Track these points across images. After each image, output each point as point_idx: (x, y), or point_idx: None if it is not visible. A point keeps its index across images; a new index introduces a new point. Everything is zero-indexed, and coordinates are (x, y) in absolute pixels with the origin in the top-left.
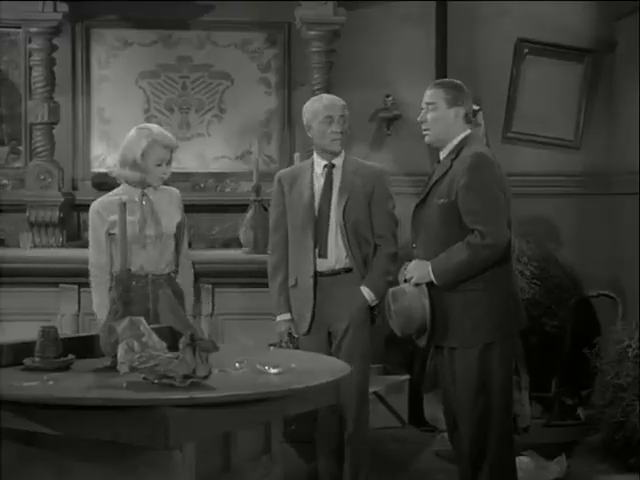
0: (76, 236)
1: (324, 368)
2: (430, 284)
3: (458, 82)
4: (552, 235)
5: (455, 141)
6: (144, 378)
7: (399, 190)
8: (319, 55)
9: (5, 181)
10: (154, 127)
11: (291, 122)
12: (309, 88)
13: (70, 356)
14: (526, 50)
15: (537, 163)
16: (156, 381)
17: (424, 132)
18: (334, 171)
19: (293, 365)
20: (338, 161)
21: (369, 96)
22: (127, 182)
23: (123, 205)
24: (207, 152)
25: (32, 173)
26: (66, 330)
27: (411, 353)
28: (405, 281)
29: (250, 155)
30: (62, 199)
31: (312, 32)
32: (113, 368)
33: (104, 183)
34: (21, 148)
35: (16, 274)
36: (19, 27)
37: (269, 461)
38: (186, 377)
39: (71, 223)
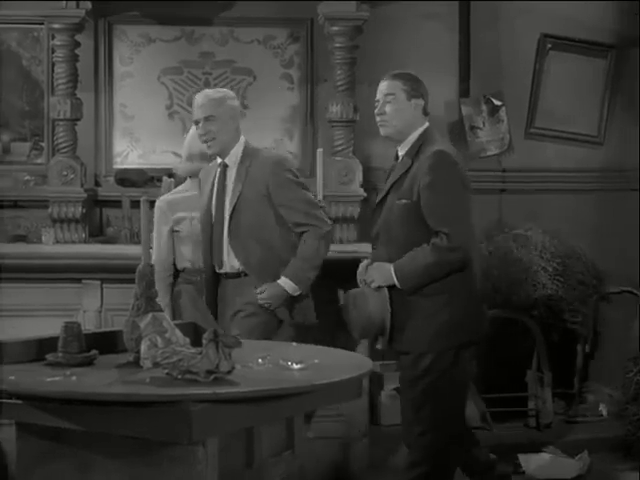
0: (98, 232)
1: (347, 364)
2: (391, 287)
3: (414, 74)
4: (575, 231)
5: (414, 136)
6: (167, 373)
7: None
8: (342, 51)
9: (28, 177)
10: None
11: (314, 118)
12: (332, 84)
13: (93, 352)
14: (549, 46)
15: (560, 159)
16: (179, 376)
17: (381, 124)
18: (227, 171)
19: (316, 361)
20: (231, 160)
21: None
22: (193, 177)
23: (146, 203)
24: None
25: (54, 169)
26: (89, 326)
27: None
28: (364, 283)
29: (273, 151)
30: (85, 195)
31: (335, 28)
32: (136, 364)
33: (126, 179)
34: (43, 144)
35: (39, 270)
36: (42, 24)
37: (292, 457)
38: (209, 372)
39: (94, 219)
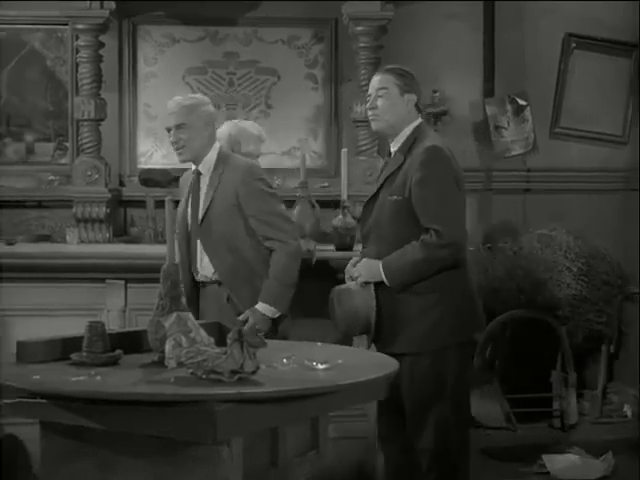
0: (122, 232)
1: (372, 364)
2: (377, 284)
3: (407, 69)
4: (599, 231)
5: (407, 132)
6: (192, 373)
7: None
8: (366, 51)
9: (52, 177)
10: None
11: (338, 118)
12: (356, 84)
13: (117, 351)
14: (574, 45)
15: (585, 159)
16: (204, 376)
17: (372, 119)
18: (201, 178)
19: (340, 361)
20: (204, 167)
21: None
22: None
23: (171, 202)
24: None
25: (79, 169)
26: (113, 325)
27: None
28: (351, 279)
29: (297, 151)
30: (109, 195)
31: (359, 28)
32: (160, 363)
33: (150, 179)
34: (68, 144)
35: (63, 270)
36: (66, 24)
37: (316, 457)
38: (234, 372)
39: (118, 219)
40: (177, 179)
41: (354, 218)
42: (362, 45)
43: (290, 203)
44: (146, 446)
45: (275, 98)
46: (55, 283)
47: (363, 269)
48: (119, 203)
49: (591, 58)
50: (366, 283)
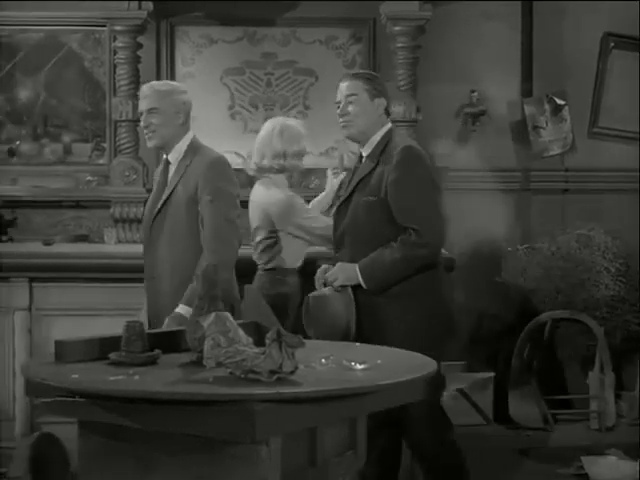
0: None
1: (411, 364)
2: (354, 288)
3: (374, 73)
4: (638, 231)
5: (378, 136)
6: (230, 373)
7: (483, 186)
8: (404, 51)
9: (90, 178)
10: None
11: None
12: (394, 84)
13: (156, 351)
14: (612, 44)
15: (623, 158)
16: (242, 376)
17: (344, 125)
18: (170, 168)
19: (379, 361)
20: (173, 156)
21: (454, 91)
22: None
23: (208, 202)
24: None
25: (117, 170)
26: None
27: (495, 350)
28: (325, 285)
29: (334, 151)
30: (146, 195)
31: (397, 28)
32: (199, 363)
33: None
34: (105, 145)
35: (101, 270)
36: (104, 25)
37: (354, 457)
38: (272, 372)
39: None
40: None
41: None
42: (400, 45)
43: None
44: (184, 445)
45: (313, 98)
46: (93, 283)
47: (339, 272)
48: None
49: (630, 57)
50: (342, 287)
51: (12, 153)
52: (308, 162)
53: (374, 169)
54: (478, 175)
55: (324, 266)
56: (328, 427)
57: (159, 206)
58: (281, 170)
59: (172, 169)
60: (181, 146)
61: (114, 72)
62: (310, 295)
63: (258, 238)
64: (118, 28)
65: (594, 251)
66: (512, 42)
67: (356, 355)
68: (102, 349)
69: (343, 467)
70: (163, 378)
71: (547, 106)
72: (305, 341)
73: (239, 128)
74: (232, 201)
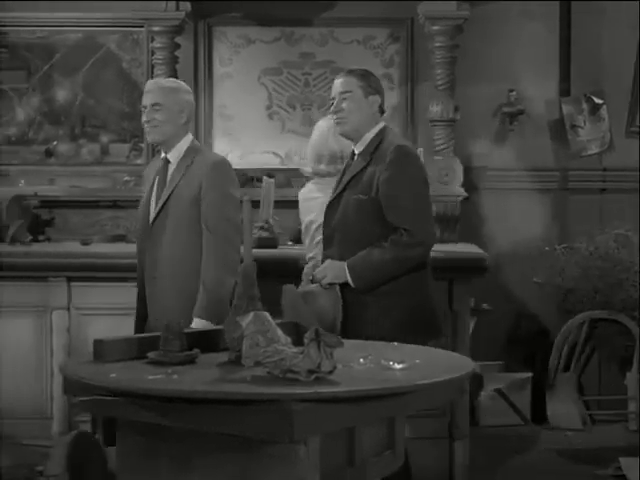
0: None
1: (449, 364)
2: (342, 286)
3: (369, 70)
4: None
5: (371, 134)
6: (268, 372)
7: (520, 186)
8: (442, 50)
9: (127, 178)
10: None
11: (414, 118)
12: (432, 83)
13: (194, 350)
14: None
15: None
16: (281, 375)
17: (338, 122)
18: (169, 167)
19: (418, 361)
20: (173, 155)
21: (492, 91)
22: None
23: (248, 202)
24: None
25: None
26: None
27: (533, 350)
28: (312, 282)
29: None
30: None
31: (435, 27)
32: (237, 362)
33: None
34: (143, 145)
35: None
36: (142, 26)
37: (392, 457)
38: (311, 372)
39: None
40: (253, 179)
41: None
42: (438, 45)
43: None
44: (222, 445)
45: None
46: (130, 283)
47: (328, 270)
48: None
49: None
50: (331, 284)
51: (50, 153)
52: None
53: (366, 167)
54: (516, 175)
55: (312, 262)
56: (366, 427)
57: (160, 205)
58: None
59: (171, 168)
60: (182, 146)
61: (152, 72)
62: (298, 292)
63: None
64: (156, 29)
65: (632, 251)
66: (550, 41)
67: (394, 355)
68: (141, 348)
69: (381, 467)
70: (201, 377)
71: (585, 105)
72: (344, 341)
73: (277, 128)
74: (236, 203)
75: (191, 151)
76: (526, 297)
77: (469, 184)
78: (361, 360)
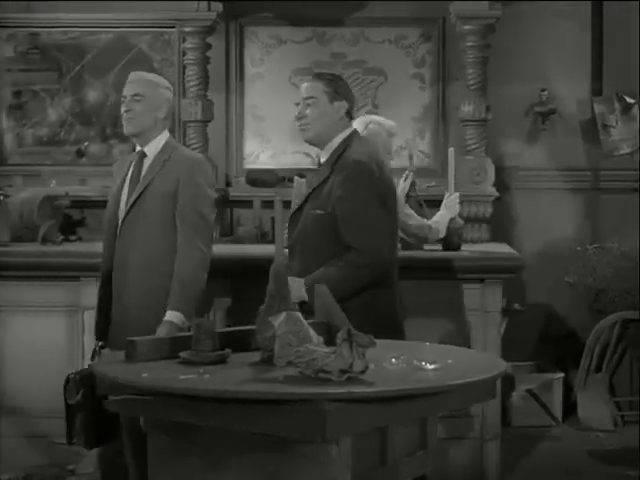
0: (229, 231)
1: (481, 364)
2: (302, 303)
3: (338, 74)
4: None
5: (337, 140)
6: (300, 372)
7: (552, 186)
8: (474, 50)
9: None
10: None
11: (445, 117)
12: (463, 83)
13: (226, 350)
14: None
15: None
16: (313, 375)
17: (301, 128)
18: (145, 161)
19: (450, 361)
20: (150, 149)
21: (524, 90)
22: None
23: (280, 202)
24: None
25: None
26: (221, 324)
27: (564, 350)
28: None
29: (404, 151)
30: (215, 195)
31: (467, 27)
32: (269, 362)
33: (257, 180)
34: None
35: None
36: (173, 27)
37: (425, 457)
38: (343, 372)
39: (225, 219)
40: (284, 179)
41: (461, 217)
42: (470, 44)
43: None
44: (254, 444)
45: (382, 98)
46: None
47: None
48: (226, 203)
49: None
50: None
51: (81, 154)
52: None
53: (327, 178)
54: (547, 174)
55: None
56: (398, 427)
57: (133, 200)
58: None
59: (147, 162)
60: (159, 140)
61: (183, 73)
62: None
63: None
64: (187, 29)
65: None
66: (582, 41)
67: (427, 355)
68: (172, 348)
69: (414, 467)
70: (233, 377)
71: (617, 105)
72: (376, 341)
73: None
74: (211, 201)
75: (168, 147)
76: (558, 297)
77: (501, 184)
78: (393, 360)
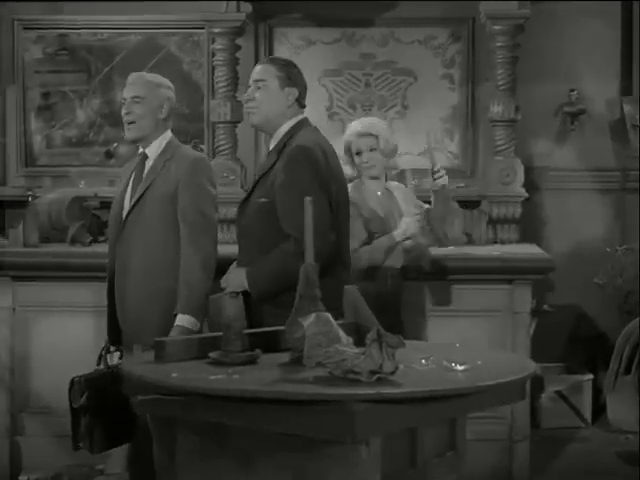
0: None
1: (511, 365)
2: (247, 292)
3: (291, 60)
4: None
5: (285, 127)
6: (330, 373)
7: (581, 186)
8: (503, 50)
9: None
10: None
11: (475, 118)
12: (493, 83)
13: (256, 350)
14: None
15: None
16: (342, 376)
17: (249, 111)
18: (147, 163)
19: (479, 362)
20: (151, 150)
21: (553, 90)
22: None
23: (310, 203)
24: None
25: (214, 171)
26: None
27: (594, 352)
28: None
29: (434, 151)
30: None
31: (497, 27)
32: (298, 362)
33: None
34: (203, 147)
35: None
36: (202, 28)
37: (454, 458)
38: (372, 372)
39: None
40: None
41: (491, 219)
42: (499, 44)
43: (426, 203)
44: (283, 444)
45: (411, 99)
46: None
47: (231, 278)
48: None
49: None
50: (235, 293)
51: (110, 155)
52: (407, 162)
53: (273, 165)
54: (577, 175)
55: (231, 267)
56: (428, 428)
57: (135, 201)
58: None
59: (149, 164)
60: (161, 141)
61: (212, 74)
62: (210, 298)
63: None
64: (216, 30)
65: None
66: (611, 40)
67: (456, 356)
68: (201, 348)
69: (444, 468)
70: (263, 378)
71: None
72: (405, 341)
73: (337, 129)
74: (212, 200)
75: (170, 147)
76: (587, 298)
77: (530, 184)
78: (423, 361)
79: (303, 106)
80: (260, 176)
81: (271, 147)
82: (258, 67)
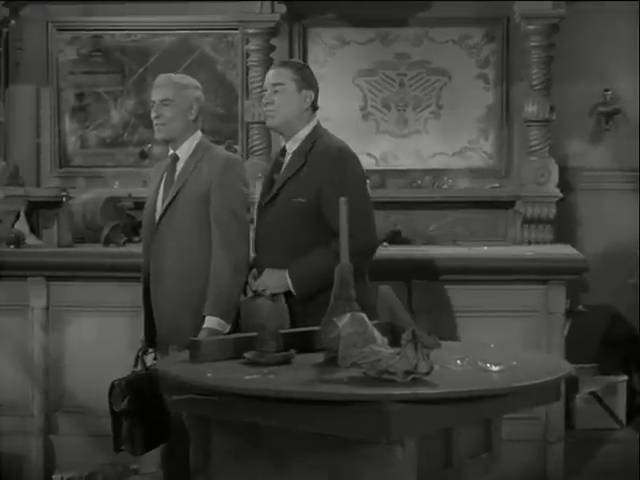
0: None
1: (545, 366)
2: (287, 294)
3: (304, 63)
4: None
5: (305, 132)
6: (365, 373)
7: (615, 186)
8: (538, 49)
9: None
10: None
11: (509, 118)
12: (527, 83)
13: (290, 351)
14: None
15: None
16: (377, 376)
17: (268, 115)
18: (177, 164)
19: (514, 363)
20: (182, 152)
21: (588, 90)
22: None
23: (346, 204)
24: (424, 149)
25: (248, 171)
26: None
27: (628, 353)
28: (255, 293)
29: (468, 151)
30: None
31: (531, 27)
32: (333, 363)
33: None
34: (237, 147)
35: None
36: (236, 29)
37: (490, 459)
38: (408, 373)
39: None
40: None
41: (526, 220)
42: (534, 44)
43: (460, 204)
44: (318, 444)
45: (446, 98)
46: None
47: (269, 280)
48: None
49: None
50: (274, 294)
51: (144, 155)
52: (440, 162)
53: (302, 168)
54: (611, 175)
55: (253, 271)
56: (463, 428)
57: (167, 203)
58: None
59: (179, 166)
60: (191, 142)
61: (246, 74)
62: (241, 301)
63: None
64: (251, 31)
65: None
66: None
67: (491, 356)
68: (236, 349)
69: (479, 468)
70: (298, 378)
71: None
72: (441, 342)
73: (371, 129)
74: (245, 201)
75: (201, 147)
76: (621, 299)
77: (565, 185)
78: (458, 362)
79: (316, 108)
80: (286, 179)
81: (291, 150)
82: (273, 71)
